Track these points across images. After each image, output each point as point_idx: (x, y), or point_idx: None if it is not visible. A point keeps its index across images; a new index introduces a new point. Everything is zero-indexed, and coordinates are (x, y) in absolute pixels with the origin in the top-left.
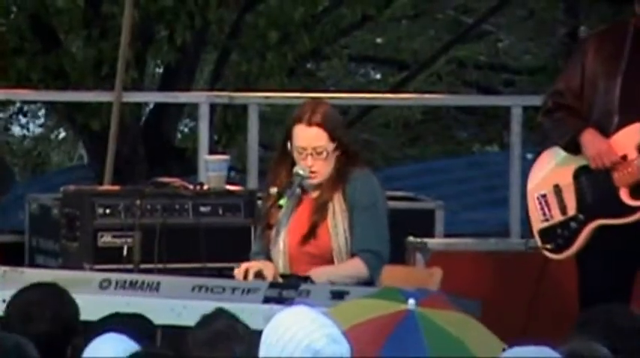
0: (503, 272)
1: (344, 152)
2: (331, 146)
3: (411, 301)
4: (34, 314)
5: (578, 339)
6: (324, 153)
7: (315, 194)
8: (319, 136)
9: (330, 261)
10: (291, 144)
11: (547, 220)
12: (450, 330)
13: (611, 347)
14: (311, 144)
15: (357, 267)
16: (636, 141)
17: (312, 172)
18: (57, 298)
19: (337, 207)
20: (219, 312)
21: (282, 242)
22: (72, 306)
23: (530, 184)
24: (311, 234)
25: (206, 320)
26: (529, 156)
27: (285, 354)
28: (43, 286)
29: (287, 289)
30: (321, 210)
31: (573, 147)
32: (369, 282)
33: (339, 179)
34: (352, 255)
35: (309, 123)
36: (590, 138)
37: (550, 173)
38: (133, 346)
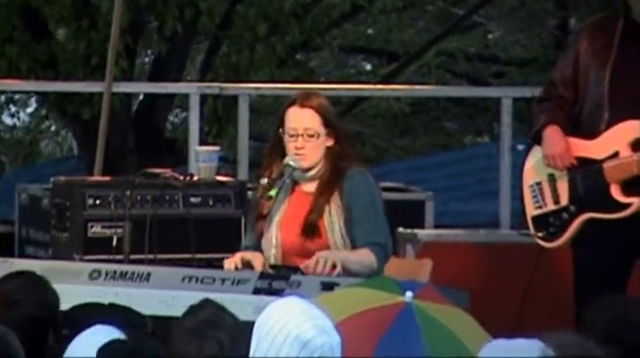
0: (493, 263)
1: (337, 142)
2: (323, 131)
3: (409, 293)
4: (17, 301)
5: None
6: (315, 136)
7: (307, 187)
8: (311, 118)
9: None
10: (283, 131)
11: (540, 208)
12: (446, 324)
13: (618, 337)
14: (303, 125)
15: (367, 256)
16: (629, 139)
17: (300, 155)
18: (38, 285)
19: (334, 203)
20: (206, 302)
21: (275, 235)
22: (52, 293)
23: (526, 171)
24: (307, 229)
25: (193, 309)
26: (519, 147)
27: (276, 345)
28: (23, 274)
29: (277, 280)
30: (316, 205)
31: (539, 141)
32: (375, 273)
33: (336, 176)
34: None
35: (302, 106)
36: (549, 136)
37: (545, 161)
38: (121, 336)
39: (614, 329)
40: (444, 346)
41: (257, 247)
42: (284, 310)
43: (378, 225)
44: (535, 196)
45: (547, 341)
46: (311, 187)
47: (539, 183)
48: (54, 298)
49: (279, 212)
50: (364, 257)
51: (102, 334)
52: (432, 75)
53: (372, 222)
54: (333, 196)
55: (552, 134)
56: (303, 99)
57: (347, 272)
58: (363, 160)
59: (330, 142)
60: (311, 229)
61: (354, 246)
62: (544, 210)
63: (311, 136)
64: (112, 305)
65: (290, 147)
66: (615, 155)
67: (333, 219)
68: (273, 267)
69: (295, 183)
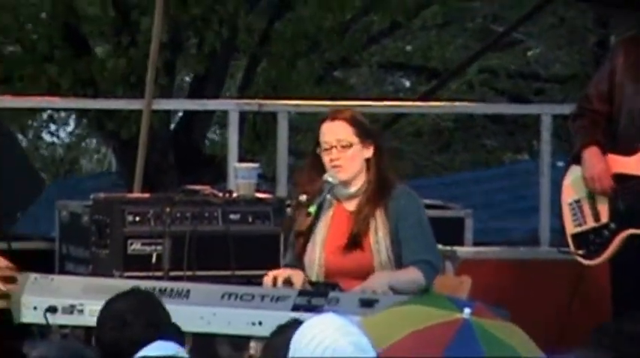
0: (532, 281)
1: (377, 153)
2: (356, 140)
3: (467, 310)
4: (129, 321)
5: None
6: (349, 147)
7: (349, 204)
8: (343, 129)
9: (367, 277)
10: (320, 148)
11: (580, 225)
12: (504, 339)
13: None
14: (335, 137)
15: (416, 274)
16: None
17: (336, 166)
18: (150, 305)
19: (380, 223)
20: (294, 322)
21: (318, 253)
22: (164, 313)
23: (565, 189)
24: (351, 248)
25: (282, 329)
26: (559, 164)
27: None
28: (135, 293)
29: (316, 297)
30: (361, 224)
31: (579, 162)
32: (424, 291)
33: (381, 192)
34: (405, 266)
35: (333, 119)
36: (588, 158)
37: (584, 179)
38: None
39: (612, 343)
40: None
41: (296, 265)
42: (321, 326)
43: (426, 243)
44: (575, 214)
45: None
46: (353, 205)
47: (578, 201)
48: (165, 318)
49: (321, 231)
50: (412, 275)
51: (162, 350)
52: (475, 92)
53: (420, 240)
54: (378, 213)
55: (591, 156)
56: (334, 113)
57: (394, 291)
58: (401, 175)
59: (368, 153)
60: (354, 244)
61: (400, 264)
62: (584, 227)
63: (344, 147)
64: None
65: (326, 161)
66: None
67: (379, 239)
68: (312, 283)
69: (337, 201)
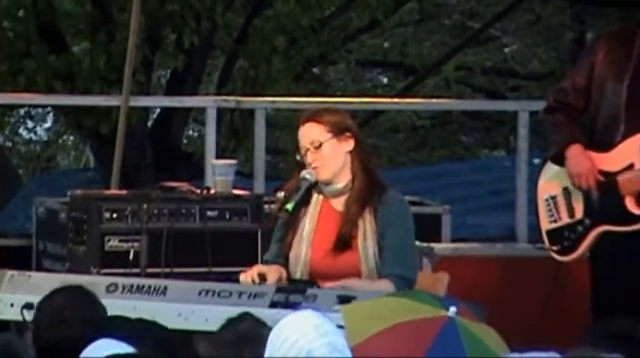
0: (509, 277)
1: (358, 144)
2: (327, 137)
3: (453, 308)
4: (66, 318)
5: (586, 347)
6: (321, 146)
7: (337, 203)
8: (313, 129)
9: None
10: (300, 154)
11: (555, 221)
12: (485, 342)
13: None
14: (307, 140)
15: (388, 288)
16: None
17: (314, 168)
18: (86, 302)
19: (369, 227)
20: (245, 315)
21: (304, 251)
22: (101, 310)
23: (541, 185)
24: (339, 253)
25: (232, 322)
26: (536, 161)
27: None
28: (71, 289)
29: (294, 294)
30: (350, 222)
31: (559, 160)
32: None
33: (370, 193)
34: (380, 277)
35: (304, 122)
36: (574, 155)
37: (560, 175)
38: (127, 350)
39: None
40: None
41: (276, 261)
42: (297, 325)
43: (406, 258)
44: (550, 210)
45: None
46: (341, 204)
47: (554, 197)
48: (102, 314)
49: (308, 227)
50: (384, 288)
51: (107, 348)
52: (452, 89)
53: (401, 254)
54: (367, 217)
55: (576, 153)
56: (305, 117)
57: None
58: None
59: (348, 146)
60: (343, 244)
61: (378, 272)
62: (559, 223)
63: (317, 148)
64: (140, 320)
65: (307, 166)
66: (630, 167)
67: (367, 245)
68: (291, 281)
69: (324, 198)
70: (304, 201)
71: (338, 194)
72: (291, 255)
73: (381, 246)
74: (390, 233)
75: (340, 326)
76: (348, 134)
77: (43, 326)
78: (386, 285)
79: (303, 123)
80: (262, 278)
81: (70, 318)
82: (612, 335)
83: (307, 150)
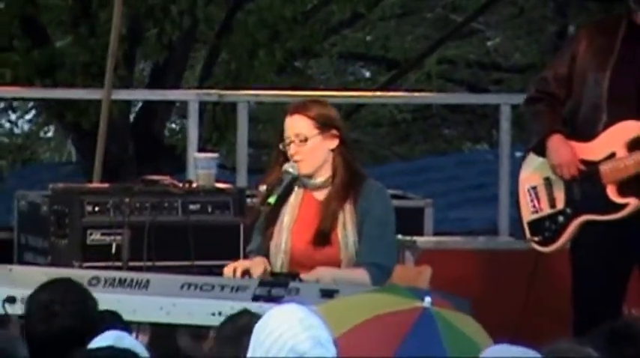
0: (492, 270)
1: (342, 143)
2: (314, 133)
3: (428, 299)
4: (57, 311)
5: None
6: (307, 141)
7: (318, 194)
8: (301, 123)
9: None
10: (283, 142)
11: (536, 212)
12: (463, 330)
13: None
14: (293, 131)
15: (362, 277)
16: (625, 139)
17: (297, 161)
18: (77, 295)
19: (348, 217)
20: (244, 312)
21: (285, 240)
22: (92, 302)
23: (522, 176)
24: (319, 241)
25: (232, 318)
26: (518, 154)
27: (271, 355)
28: (62, 282)
29: (276, 287)
30: (330, 218)
31: (540, 150)
32: None
33: (350, 185)
34: (357, 265)
35: (292, 113)
36: (555, 146)
37: (542, 166)
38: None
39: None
40: (465, 352)
41: (260, 252)
42: (281, 319)
43: (387, 247)
44: (531, 201)
45: (545, 350)
46: (321, 195)
47: (534, 188)
48: (93, 307)
49: (288, 217)
50: (358, 276)
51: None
52: (434, 82)
53: (378, 241)
54: (347, 206)
55: (557, 143)
56: (294, 107)
57: None
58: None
59: (332, 144)
60: (323, 238)
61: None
62: (540, 214)
63: (302, 141)
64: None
65: (289, 156)
66: (612, 156)
67: (347, 233)
68: (273, 274)
69: (305, 188)
70: (287, 195)
71: (318, 188)
72: (272, 244)
73: (360, 235)
74: (368, 221)
75: None
76: (334, 132)
77: (33, 320)
78: (360, 274)
79: (291, 113)
80: (247, 272)
81: (60, 311)
82: (613, 336)
83: (292, 141)
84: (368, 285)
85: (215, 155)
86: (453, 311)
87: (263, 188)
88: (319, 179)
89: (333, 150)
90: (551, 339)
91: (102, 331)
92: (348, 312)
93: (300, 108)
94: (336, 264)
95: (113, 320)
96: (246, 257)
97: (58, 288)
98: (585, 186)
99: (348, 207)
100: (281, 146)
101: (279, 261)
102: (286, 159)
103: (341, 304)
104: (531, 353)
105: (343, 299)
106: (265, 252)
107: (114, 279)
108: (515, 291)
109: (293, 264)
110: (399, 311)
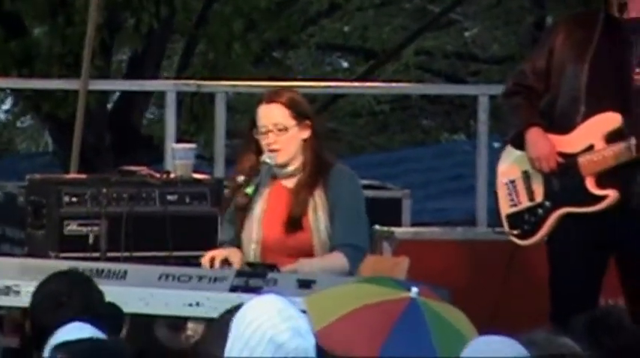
0: (470, 261)
1: (314, 134)
2: (292, 123)
3: (415, 289)
4: (63, 302)
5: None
6: (285, 130)
7: (288, 182)
8: (279, 112)
9: (308, 255)
10: (257, 129)
11: (515, 205)
12: (450, 321)
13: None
14: (271, 121)
15: (339, 260)
16: (604, 131)
17: (273, 150)
18: (84, 286)
19: (319, 201)
20: (240, 306)
21: (256, 230)
22: (98, 294)
23: (500, 169)
24: (290, 227)
25: (230, 311)
26: (496, 144)
27: (250, 346)
28: (68, 274)
29: (254, 278)
30: (300, 204)
31: (519, 143)
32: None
33: (319, 172)
34: (332, 248)
35: (269, 101)
36: (534, 139)
37: (520, 159)
38: (97, 335)
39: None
40: (452, 342)
41: (232, 243)
42: (260, 309)
43: (359, 227)
44: (510, 194)
45: (521, 339)
46: (291, 183)
47: (513, 181)
48: (99, 298)
49: (259, 207)
50: (335, 262)
51: (77, 333)
52: (412, 73)
53: (353, 223)
54: (316, 192)
55: (535, 136)
56: (271, 95)
57: None
58: (338, 155)
59: (305, 134)
60: (294, 225)
61: (330, 243)
62: (519, 207)
63: (281, 131)
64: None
65: (264, 145)
66: (590, 148)
67: (319, 217)
68: (250, 264)
69: (275, 177)
70: (264, 185)
71: (288, 176)
72: (243, 235)
73: (332, 220)
74: (340, 205)
75: (304, 311)
76: (307, 122)
77: (40, 311)
78: (337, 258)
79: (268, 101)
80: (226, 262)
81: (67, 302)
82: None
83: (269, 131)
84: (346, 268)
85: (193, 145)
86: (439, 301)
87: (241, 178)
88: (290, 168)
89: (304, 141)
90: (528, 330)
91: (107, 322)
92: (336, 302)
93: (275, 96)
94: (309, 249)
95: (112, 312)
96: (218, 247)
97: (64, 280)
98: (564, 178)
99: (318, 193)
100: (254, 132)
101: (252, 251)
102: (258, 147)
103: (330, 294)
104: (517, 345)
105: (332, 289)
106: (238, 243)
107: (91, 270)
108: (493, 282)
109: (266, 252)
110: (387, 301)
